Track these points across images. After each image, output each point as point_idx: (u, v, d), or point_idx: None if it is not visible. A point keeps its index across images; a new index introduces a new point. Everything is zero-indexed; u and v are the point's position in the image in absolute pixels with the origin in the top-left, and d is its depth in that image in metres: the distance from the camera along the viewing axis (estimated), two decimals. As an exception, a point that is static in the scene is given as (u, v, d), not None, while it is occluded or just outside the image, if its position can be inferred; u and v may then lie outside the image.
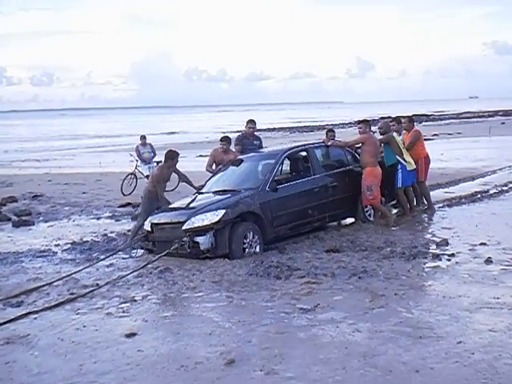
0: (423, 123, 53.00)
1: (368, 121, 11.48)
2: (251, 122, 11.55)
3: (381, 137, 11.14)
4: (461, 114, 72.12)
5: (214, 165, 10.87)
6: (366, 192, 10.35)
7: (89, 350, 5.43)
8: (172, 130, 63.96)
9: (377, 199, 10.51)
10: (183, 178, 10.62)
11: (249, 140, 11.22)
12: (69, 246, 10.29)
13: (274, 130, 56.25)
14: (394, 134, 11.16)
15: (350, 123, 56.66)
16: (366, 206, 10.73)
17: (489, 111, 71.81)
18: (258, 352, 5.11)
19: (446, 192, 13.71)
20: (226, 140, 10.80)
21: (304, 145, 10.90)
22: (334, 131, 11.95)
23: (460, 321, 5.57)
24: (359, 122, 11.12)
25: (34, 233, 11.88)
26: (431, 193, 12.09)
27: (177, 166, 10.29)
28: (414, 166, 11.18)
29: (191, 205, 9.36)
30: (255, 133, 11.54)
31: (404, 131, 11.71)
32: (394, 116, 14.34)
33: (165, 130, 62.80)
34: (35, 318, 6.46)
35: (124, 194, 16.33)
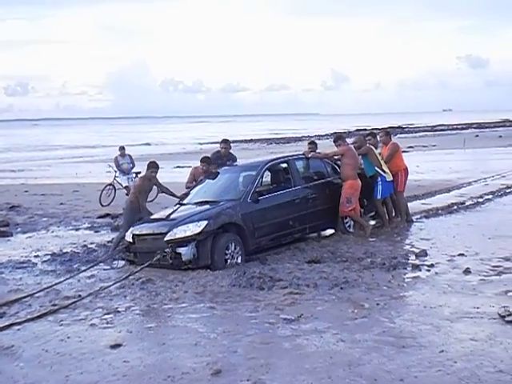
0: (398, 135, 53.61)
1: (343, 136, 11.68)
2: (225, 141, 11.52)
3: (360, 149, 11.28)
4: (435, 126, 73.05)
5: (194, 183, 10.86)
6: (346, 204, 10.47)
7: (74, 361, 5.42)
8: (149, 140, 63.82)
9: (355, 211, 10.65)
10: (164, 189, 10.63)
11: (222, 160, 11.10)
12: (49, 257, 10.22)
13: (250, 141, 56.45)
14: (371, 147, 11.31)
15: (326, 135, 57.13)
16: (346, 218, 10.85)
17: (462, 124, 72.87)
18: (244, 362, 5.15)
19: (423, 203, 13.90)
20: (206, 161, 10.71)
21: (285, 156, 10.99)
22: (315, 143, 12.10)
23: (441, 330, 5.67)
24: (335, 140, 11.23)
25: (13, 244, 11.78)
26: (409, 204, 12.26)
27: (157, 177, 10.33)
28: (391, 178, 11.34)
29: (173, 216, 9.39)
30: (230, 151, 11.41)
31: (381, 144, 11.89)
32: (368, 131, 14.57)
33: (141, 140, 62.60)
34: (18, 329, 6.43)
35: (102, 205, 16.27)
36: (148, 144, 56.24)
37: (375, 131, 12.67)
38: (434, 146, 37.27)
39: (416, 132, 61.63)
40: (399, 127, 71.94)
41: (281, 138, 59.31)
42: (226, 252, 8.76)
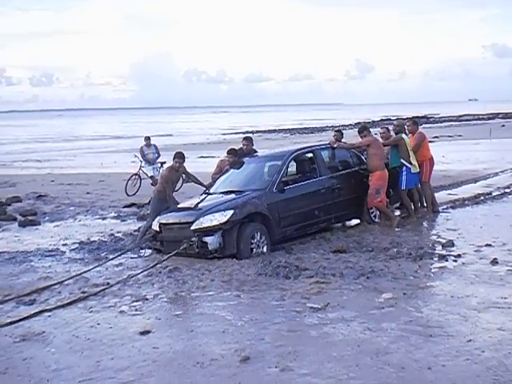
0: (423, 125, 53.01)
1: (367, 127, 11.62)
2: (246, 139, 11.54)
3: (389, 140, 11.23)
4: (461, 116, 72.27)
5: None
6: (375, 195, 10.44)
7: (105, 347, 5.53)
8: (172, 131, 64.02)
9: (383, 202, 10.62)
10: (192, 178, 10.71)
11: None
12: (76, 245, 10.39)
13: (274, 131, 56.40)
14: (404, 136, 11.24)
15: (350, 125, 56.84)
16: (371, 208, 10.83)
17: (488, 114, 71.95)
18: (271, 349, 5.21)
19: (450, 194, 13.81)
20: (232, 153, 10.75)
21: (310, 146, 11.00)
22: (341, 131, 12.02)
23: (469, 320, 5.67)
24: (360, 131, 11.16)
25: (41, 232, 11.97)
26: (435, 194, 12.19)
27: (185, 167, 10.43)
28: (418, 169, 11.27)
29: (199, 205, 9.45)
30: (253, 147, 11.38)
31: (409, 134, 11.82)
32: (408, 117, 14.48)
33: (165, 131, 62.85)
34: (49, 316, 6.57)
35: (128, 195, 16.41)
36: (170, 135, 56.35)
37: (415, 119, 12.58)
38: (460, 136, 36.87)
39: (441, 122, 61.03)
40: (424, 117, 71.26)
41: (304, 128, 59.14)
42: (252, 241, 8.81)
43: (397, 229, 10.26)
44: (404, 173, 11.04)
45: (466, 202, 12.53)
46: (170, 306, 6.76)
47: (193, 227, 8.78)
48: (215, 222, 8.68)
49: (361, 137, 11.07)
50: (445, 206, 12.07)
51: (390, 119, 61.57)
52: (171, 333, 5.83)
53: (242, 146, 11.35)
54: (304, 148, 10.81)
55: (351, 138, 12.20)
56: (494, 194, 13.43)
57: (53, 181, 21.20)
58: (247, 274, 7.68)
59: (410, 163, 11.02)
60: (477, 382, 4.39)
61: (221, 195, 9.69)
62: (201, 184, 10.64)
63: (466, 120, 62.48)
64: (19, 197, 16.60)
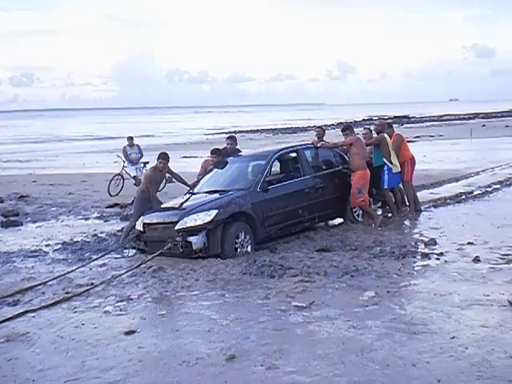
0: (405, 125, 53.52)
1: (351, 126, 11.69)
2: (230, 138, 11.56)
3: (371, 140, 11.31)
4: (442, 116, 72.80)
5: None
6: (357, 194, 10.49)
7: (90, 347, 5.51)
8: (153, 131, 63.78)
9: (366, 201, 10.67)
10: (177, 177, 10.71)
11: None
12: (60, 246, 10.31)
13: (256, 131, 56.45)
14: (386, 135, 11.32)
15: (333, 125, 57.06)
16: (355, 207, 10.89)
17: (469, 114, 72.57)
18: (257, 348, 5.23)
19: (431, 193, 13.92)
20: (216, 153, 10.73)
21: (294, 146, 11.03)
22: (323, 128, 12.08)
23: (452, 317, 5.73)
24: (343, 130, 11.25)
25: (24, 233, 11.88)
26: (417, 193, 12.28)
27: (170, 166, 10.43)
28: (399, 169, 11.34)
29: (183, 205, 9.45)
30: (236, 147, 11.36)
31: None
32: (376, 120, 14.60)
33: (147, 131, 62.64)
34: (33, 317, 6.53)
35: (111, 195, 16.34)
36: (151, 135, 56.05)
37: (390, 123, 12.68)
38: (441, 135, 37.14)
39: (423, 122, 61.46)
40: (405, 117, 71.72)
41: (287, 128, 59.27)
42: (236, 241, 8.82)
43: (379, 228, 10.33)
44: (386, 172, 11.12)
45: (448, 200, 12.63)
46: (155, 305, 6.74)
47: (177, 227, 8.77)
48: (199, 222, 8.68)
49: (344, 135, 11.13)
50: (427, 205, 12.17)
51: (372, 119, 61.89)
52: (156, 332, 5.83)
53: (225, 145, 11.35)
54: (288, 147, 10.83)
55: (334, 137, 12.25)
56: (475, 192, 13.56)
57: (34, 181, 21.06)
58: (232, 273, 7.68)
59: (391, 163, 11.10)
60: (461, 378, 4.44)
61: (205, 195, 9.69)
62: (185, 183, 10.64)
63: (448, 120, 62.97)
64: (0, 197, 16.48)
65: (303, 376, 4.62)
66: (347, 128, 11.25)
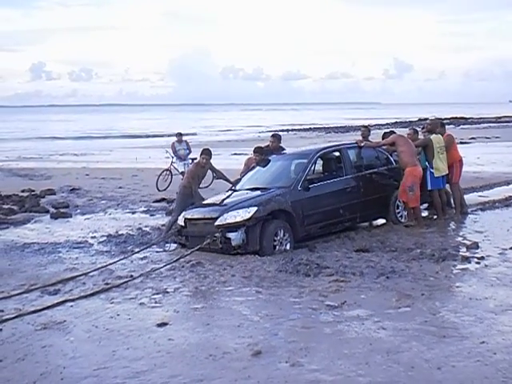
0: (461, 126, 52.42)
1: (390, 132, 11.65)
2: (274, 136, 11.57)
3: (418, 141, 11.14)
4: (500, 117, 70.94)
5: None
6: (409, 193, 10.33)
7: (122, 338, 5.65)
8: (209, 128, 64.34)
9: (417, 200, 10.46)
10: (219, 174, 10.83)
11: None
12: (104, 238, 10.59)
13: (309, 129, 56.27)
14: (433, 136, 11.11)
15: (387, 124, 56.40)
16: (398, 208, 10.77)
17: (529, 115, 70.48)
18: (284, 345, 5.26)
19: (480, 196, 13.64)
20: (258, 151, 10.77)
21: (337, 145, 11.02)
22: (368, 128, 12.06)
23: (484, 322, 5.63)
24: (383, 137, 11.29)
25: (72, 225, 12.23)
26: (465, 196, 12.07)
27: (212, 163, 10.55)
28: (443, 174, 11.11)
29: (224, 201, 9.55)
30: (280, 145, 11.34)
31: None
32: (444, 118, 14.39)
33: (201, 128, 63.25)
34: (71, 306, 6.73)
35: (159, 190, 16.64)
36: (204, 132, 56.55)
37: (442, 121, 12.51)
38: (498, 137, 36.22)
39: (480, 123, 59.97)
40: (463, 118, 70.20)
41: (340, 127, 58.85)
42: (275, 238, 8.87)
43: (422, 230, 10.19)
44: (428, 173, 10.95)
45: (496, 204, 12.36)
46: (190, 299, 6.86)
47: (217, 223, 8.88)
48: (239, 219, 8.77)
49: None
50: (474, 208, 11.93)
51: (427, 119, 60.84)
52: (187, 325, 5.93)
53: (268, 143, 11.40)
54: (331, 146, 10.84)
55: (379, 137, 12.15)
56: (525, 197, 13.21)
57: (87, 174, 21.61)
58: (268, 270, 7.74)
59: (433, 167, 10.91)
60: (484, 383, 4.38)
61: (246, 192, 9.77)
62: (227, 180, 10.75)
63: (506, 122, 61.29)
64: (53, 189, 17.02)
65: (326, 374, 4.63)
66: (387, 133, 11.34)
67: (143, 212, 13.54)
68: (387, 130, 12.39)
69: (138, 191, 16.98)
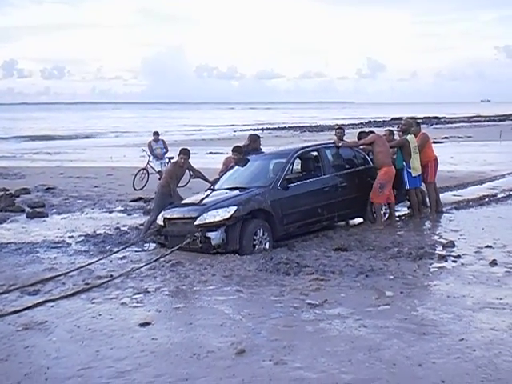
0: (434, 126, 53.07)
1: (368, 132, 11.76)
2: (251, 136, 11.61)
3: (394, 142, 11.30)
4: (472, 117, 71.96)
5: None
6: (378, 189, 10.50)
7: (105, 337, 5.65)
8: (183, 126, 64.15)
9: (384, 200, 10.66)
10: (197, 173, 10.85)
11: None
12: (82, 238, 10.53)
13: (284, 128, 56.47)
14: (409, 137, 11.27)
15: (361, 123, 56.85)
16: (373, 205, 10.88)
17: (500, 115, 71.59)
18: (267, 343, 5.31)
19: (455, 195, 13.85)
20: (237, 150, 10.79)
21: (315, 145, 11.12)
22: (342, 128, 12.18)
23: (463, 319, 5.75)
24: (359, 138, 11.38)
25: (48, 224, 12.12)
26: (440, 195, 12.25)
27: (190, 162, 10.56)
28: (419, 173, 11.31)
29: (203, 201, 9.58)
30: (260, 146, 11.38)
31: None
32: (418, 117, 14.57)
33: (175, 126, 63.02)
34: (52, 306, 6.69)
35: (135, 189, 16.56)
36: (180, 131, 56.43)
37: (417, 120, 12.67)
38: (470, 137, 36.75)
39: (452, 123, 60.79)
40: (435, 117, 71.05)
41: (314, 126, 59.16)
42: (255, 237, 8.92)
43: (399, 228, 10.35)
44: (405, 173, 11.11)
45: (471, 203, 12.58)
46: (171, 299, 6.86)
47: (196, 222, 8.90)
48: (218, 218, 8.80)
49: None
50: (449, 207, 12.13)
51: (401, 118, 61.42)
52: (170, 325, 5.96)
53: (246, 142, 11.44)
54: (309, 146, 10.92)
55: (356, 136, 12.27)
56: (499, 196, 13.48)
57: (62, 173, 21.42)
58: (248, 269, 7.78)
59: (410, 167, 11.08)
60: (465, 379, 4.48)
61: (225, 191, 9.80)
62: (206, 180, 10.78)
63: (478, 121, 62.22)
64: (28, 189, 16.82)
65: (310, 372, 4.69)
66: (364, 133, 11.44)
67: (120, 211, 13.48)
68: (362, 130, 12.53)
69: (114, 190, 16.88)
